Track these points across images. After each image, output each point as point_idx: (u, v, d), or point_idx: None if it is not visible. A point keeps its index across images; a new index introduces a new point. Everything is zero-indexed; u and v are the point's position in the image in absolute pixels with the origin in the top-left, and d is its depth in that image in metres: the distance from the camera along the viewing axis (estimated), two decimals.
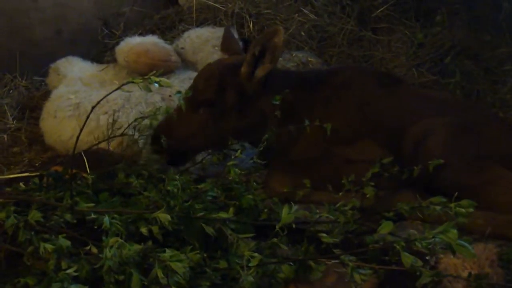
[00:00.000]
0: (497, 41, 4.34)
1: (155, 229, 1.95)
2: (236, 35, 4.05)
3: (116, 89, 2.04)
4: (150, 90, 1.88)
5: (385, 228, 1.71)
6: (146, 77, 1.88)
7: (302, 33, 4.23)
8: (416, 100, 2.87)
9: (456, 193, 2.03)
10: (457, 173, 2.52)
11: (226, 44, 3.22)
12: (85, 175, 2.38)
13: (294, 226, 1.96)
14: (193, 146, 2.88)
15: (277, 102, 2.64)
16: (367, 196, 2.40)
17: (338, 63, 4.15)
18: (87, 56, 4.15)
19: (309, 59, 3.94)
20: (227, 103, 2.83)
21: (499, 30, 4.38)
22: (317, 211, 2.31)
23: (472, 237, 2.23)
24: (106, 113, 3.16)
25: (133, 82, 1.91)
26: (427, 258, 1.91)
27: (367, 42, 4.36)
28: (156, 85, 1.86)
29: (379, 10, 4.54)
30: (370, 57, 4.27)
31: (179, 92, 2.41)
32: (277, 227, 1.93)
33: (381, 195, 2.53)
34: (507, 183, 2.50)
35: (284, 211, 1.91)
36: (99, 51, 4.52)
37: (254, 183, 2.48)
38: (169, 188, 2.22)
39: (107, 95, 2.17)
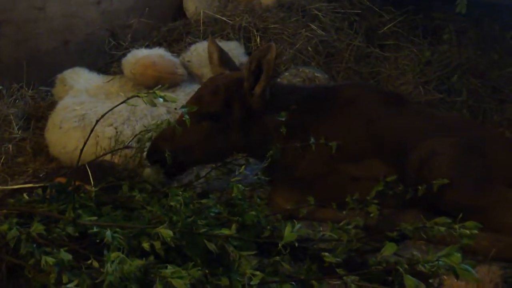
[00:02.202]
0: (504, 60, 4.33)
1: (157, 244, 1.94)
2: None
3: (121, 103, 2.04)
4: (155, 105, 1.88)
5: (388, 249, 1.70)
6: (151, 91, 1.88)
7: (309, 48, 4.23)
8: (422, 120, 2.85)
9: (461, 214, 2.01)
10: (462, 193, 2.50)
11: (223, 60, 3.06)
12: (88, 187, 2.37)
13: (296, 244, 1.95)
14: (192, 158, 2.84)
15: (283, 119, 2.63)
16: (371, 214, 2.38)
17: (344, 79, 4.14)
18: (94, 67, 4.15)
19: (316, 74, 3.93)
20: (232, 118, 2.81)
21: (507, 49, 4.37)
22: (320, 229, 2.30)
23: (476, 258, 2.24)
24: (111, 125, 3.16)
25: (138, 96, 1.91)
26: (430, 281, 1.89)
27: (374, 58, 4.36)
28: (161, 100, 1.86)
29: (387, 27, 4.56)
30: (377, 74, 4.26)
31: (184, 106, 2.39)
32: (279, 245, 1.92)
33: (386, 213, 2.51)
34: None
35: (287, 229, 1.90)
36: (106, 62, 4.52)
37: (258, 199, 2.47)
38: (172, 203, 2.21)
39: (111, 109, 2.16)
